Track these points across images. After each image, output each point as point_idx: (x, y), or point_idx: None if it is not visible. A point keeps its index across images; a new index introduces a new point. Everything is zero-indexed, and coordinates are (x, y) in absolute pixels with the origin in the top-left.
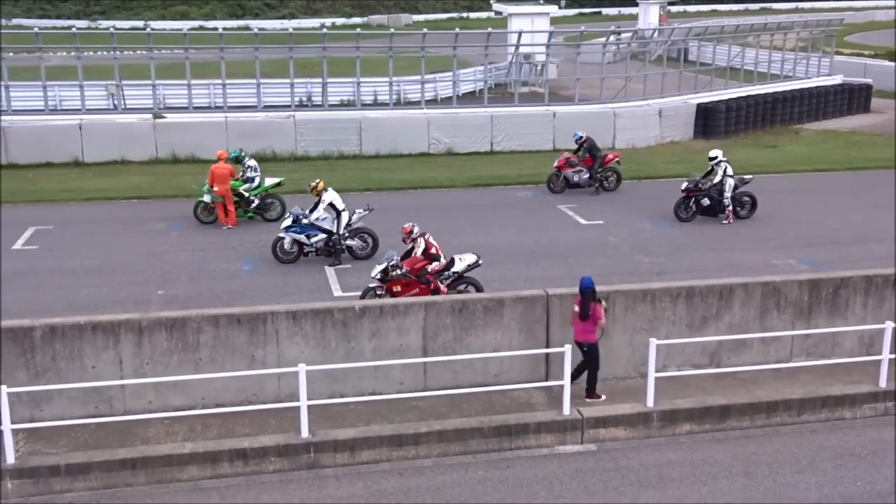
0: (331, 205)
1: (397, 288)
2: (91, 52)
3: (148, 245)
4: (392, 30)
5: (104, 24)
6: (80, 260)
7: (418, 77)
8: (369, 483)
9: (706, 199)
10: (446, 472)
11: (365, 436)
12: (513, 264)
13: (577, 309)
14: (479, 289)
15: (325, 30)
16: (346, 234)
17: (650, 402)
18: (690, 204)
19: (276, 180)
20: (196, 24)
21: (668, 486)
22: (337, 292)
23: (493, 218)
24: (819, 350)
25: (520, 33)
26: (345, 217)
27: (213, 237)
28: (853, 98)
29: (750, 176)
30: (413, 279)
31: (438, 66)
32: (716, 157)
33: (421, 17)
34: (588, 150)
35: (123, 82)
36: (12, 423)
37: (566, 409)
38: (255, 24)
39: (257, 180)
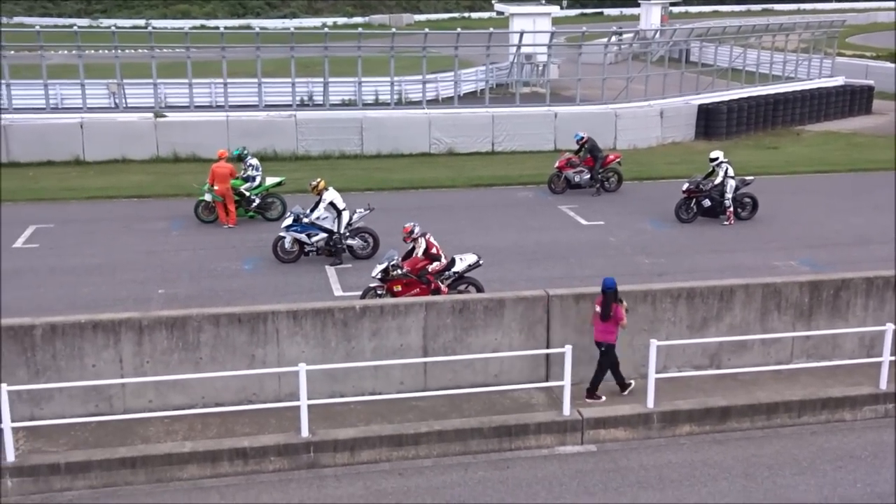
0: (331, 204)
1: (398, 288)
2: (92, 51)
3: (148, 244)
4: (394, 29)
5: (105, 22)
6: (80, 258)
7: (420, 77)
8: (369, 483)
9: (707, 200)
10: (446, 472)
11: (365, 436)
12: (513, 264)
13: (598, 309)
14: (479, 289)
15: (326, 29)
16: (347, 234)
17: (650, 403)
18: (691, 205)
19: (277, 180)
20: (197, 23)
21: (668, 487)
22: (337, 292)
23: (493, 218)
24: (819, 352)
25: (521, 33)
26: (345, 216)
27: (214, 236)
28: (855, 100)
29: (751, 177)
30: (414, 279)
31: (440, 66)
32: (717, 159)
33: (422, 17)
34: (589, 151)
35: (125, 81)
36: (12, 421)
37: (566, 409)
38: (257, 23)
39: (258, 179)
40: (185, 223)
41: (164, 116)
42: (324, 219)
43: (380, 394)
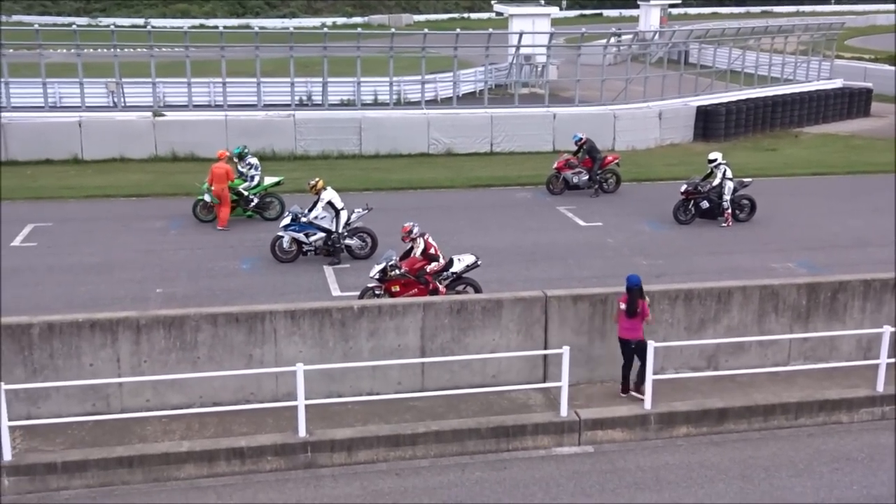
0: (330, 204)
1: (396, 288)
2: (91, 50)
3: (147, 243)
4: (393, 30)
5: (105, 21)
6: (78, 257)
7: (419, 77)
8: (366, 483)
9: (705, 201)
10: (443, 472)
11: (362, 436)
12: (511, 265)
13: (623, 306)
14: (477, 289)
15: (325, 29)
16: (345, 234)
17: (647, 405)
18: (689, 206)
19: (276, 179)
20: (197, 22)
21: (665, 488)
22: (335, 292)
23: (492, 219)
24: (817, 354)
25: (520, 34)
26: (344, 216)
27: (212, 235)
28: (853, 102)
29: (749, 179)
30: (412, 279)
31: (439, 67)
32: (715, 160)
33: (422, 18)
34: (588, 152)
35: (123, 80)
36: (9, 420)
37: (563, 410)
38: (256, 22)
39: (257, 179)
40: (183, 222)
41: (163, 116)
42: (322, 218)
43: (377, 394)
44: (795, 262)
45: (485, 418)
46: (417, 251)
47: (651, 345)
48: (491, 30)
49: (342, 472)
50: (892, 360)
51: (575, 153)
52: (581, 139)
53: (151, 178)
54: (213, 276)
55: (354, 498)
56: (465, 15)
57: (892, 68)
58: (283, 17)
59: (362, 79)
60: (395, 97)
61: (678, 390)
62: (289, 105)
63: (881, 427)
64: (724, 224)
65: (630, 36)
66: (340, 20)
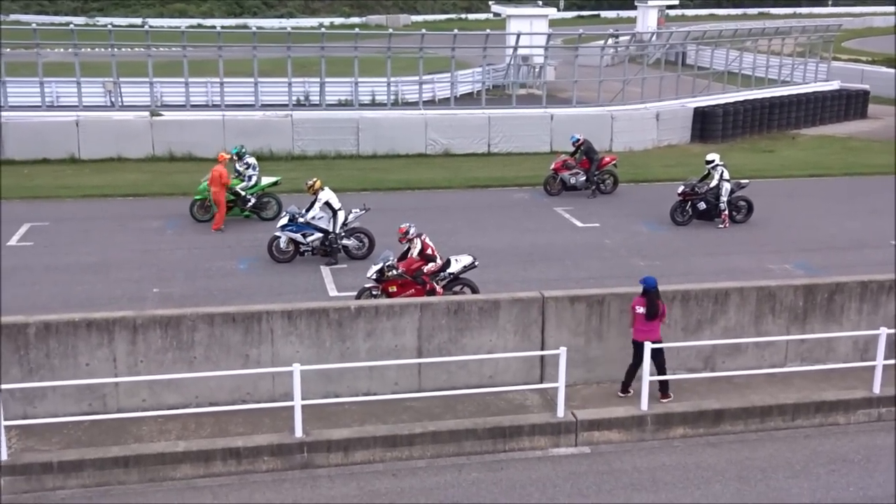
0: (327, 204)
1: (393, 288)
2: (89, 49)
3: (143, 243)
4: (390, 30)
5: (102, 21)
6: (75, 257)
7: (416, 78)
8: (363, 483)
9: (702, 202)
10: (440, 473)
11: (359, 436)
12: (509, 266)
13: (641, 310)
14: (474, 290)
15: (323, 29)
16: (343, 234)
17: (644, 406)
18: (687, 208)
19: (273, 179)
20: (194, 22)
21: (662, 489)
22: (332, 292)
23: (489, 219)
24: (814, 355)
25: (518, 35)
26: (341, 216)
27: (209, 235)
28: (850, 104)
29: (746, 180)
30: (409, 280)
31: (436, 67)
32: (713, 161)
33: (419, 18)
34: (585, 153)
35: (121, 79)
36: (5, 419)
37: (560, 411)
38: (254, 22)
39: (254, 179)
40: (180, 222)
41: (161, 115)
42: (319, 219)
43: (374, 394)
44: (792, 263)
45: (481, 419)
46: (415, 252)
47: (647, 346)
48: (488, 30)
49: (339, 472)
50: (889, 362)
51: (572, 154)
52: (578, 140)
53: (148, 178)
54: (209, 275)
55: (351, 498)
56: (463, 16)
57: (890, 70)
58: (281, 17)
59: (360, 79)
60: (392, 98)
61: (675, 391)
62: (286, 105)
63: (878, 428)
64: (721, 225)
65: (627, 37)
66: (338, 20)
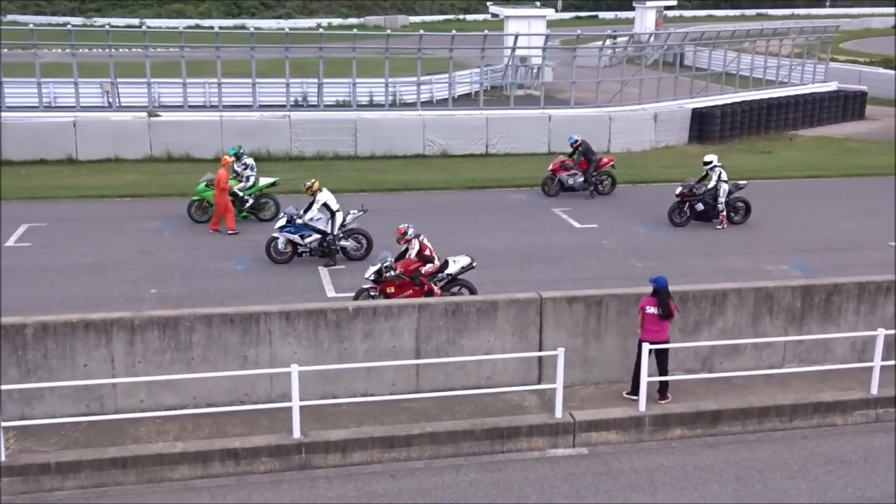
0: (325, 205)
1: (391, 289)
2: (86, 50)
3: (141, 243)
4: (388, 31)
5: (100, 21)
6: (72, 257)
7: (414, 78)
8: (360, 484)
9: (700, 203)
10: (438, 474)
11: (357, 437)
12: (507, 267)
13: (652, 310)
14: (472, 291)
15: (321, 30)
16: (341, 235)
17: (642, 407)
18: (685, 209)
19: (271, 180)
20: (192, 22)
21: (660, 490)
22: (330, 293)
23: (487, 220)
24: (811, 356)
25: (516, 36)
26: (339, 217)
27: (207, 236)
28: (848, 105)
29: (744, 181)
30: (407, 281)
31: (434, 68)
32: (710, 162)
33: (417, 19)
34: (583, 154)
35: (118, 80)
36: (3, 420)
37: (558, 412)
38: (252, 23)
39: (252, 179)
40: (177, 223)
41: (158, 116)
42: (317, 220)
43: (372, 395)
44: (790, 264)
45: (479, 420)
46: (412, 252)
47: (646, 346)
48: (486, 31)
49: (336, 473)
50: (887, 363)
51: (570, 155)
52: (576, 141)
53: (146, 179)
54: (207, 276)
55: (349, 499)
56: (461, 16)
57: (887, 71)
58: (279, 17)
59: (358, 80)
60: (390, 98)
61: (673, 392)
62: (284, 106)
63: (875, 429)
64: (718, 226)
65: (626, 38)
66: (336, 21)
